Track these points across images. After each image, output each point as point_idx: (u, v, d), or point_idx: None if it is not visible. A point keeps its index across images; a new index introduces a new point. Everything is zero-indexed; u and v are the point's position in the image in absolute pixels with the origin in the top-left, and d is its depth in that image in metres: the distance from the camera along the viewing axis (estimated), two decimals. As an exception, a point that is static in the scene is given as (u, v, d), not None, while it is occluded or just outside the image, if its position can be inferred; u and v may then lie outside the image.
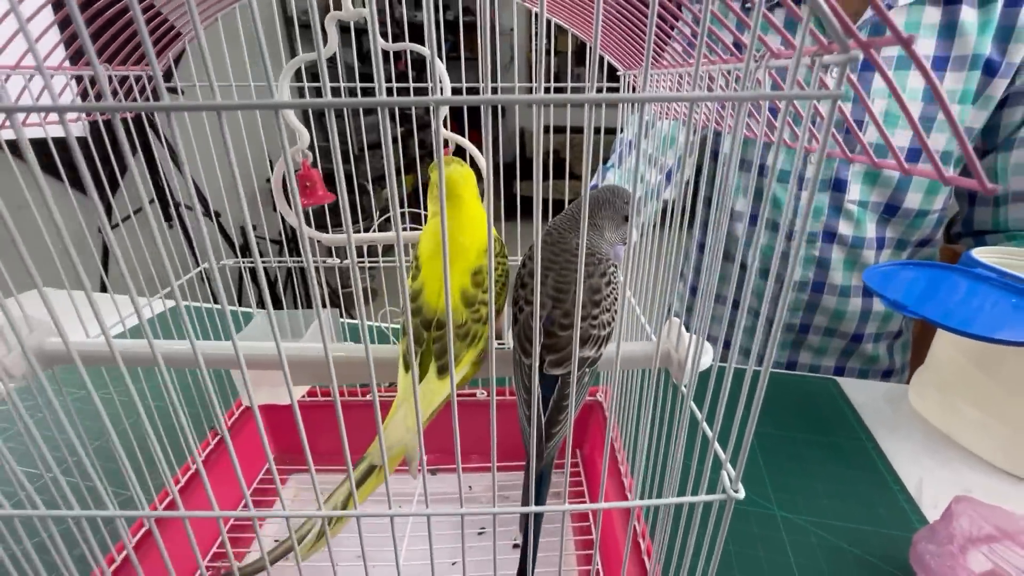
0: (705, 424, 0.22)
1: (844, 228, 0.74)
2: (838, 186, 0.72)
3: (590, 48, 0.19)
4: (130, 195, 0.48)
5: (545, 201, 0.49)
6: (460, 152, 0.40)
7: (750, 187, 0.78)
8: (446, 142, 0.39)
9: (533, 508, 0.22)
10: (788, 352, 0.84)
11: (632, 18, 0.30)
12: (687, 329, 0.27)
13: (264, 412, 0.52)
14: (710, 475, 0.22)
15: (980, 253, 0.58)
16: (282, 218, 0.42)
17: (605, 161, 0.85)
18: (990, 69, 0.64)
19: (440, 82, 0.35)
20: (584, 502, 0.49)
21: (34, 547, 0.23)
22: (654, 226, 0.35)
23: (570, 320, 0.26)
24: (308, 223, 0.47)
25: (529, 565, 0.26)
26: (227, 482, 0.48)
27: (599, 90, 0.40)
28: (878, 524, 0.48)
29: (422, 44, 0.40)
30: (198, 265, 0.49)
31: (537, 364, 0.21)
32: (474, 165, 0.37)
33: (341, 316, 0.51)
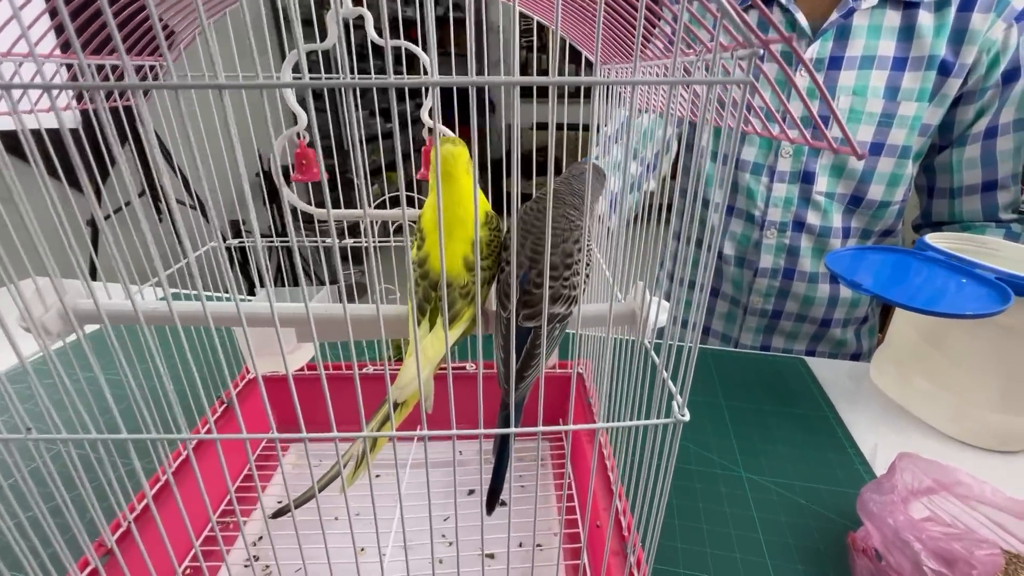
0: (658, 360, 0.26)
1: (812, 218, 0.78)
2: (807, 178, 0.76)
3: (554, 33, 0.22)
4: (121, 187, 0.51)
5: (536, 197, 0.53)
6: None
7: (725, 179, 0.83)
8: (431, 129, 0.43)
9: (513, 429, 0.26)
10: (762, 336, 0.88)
11: (607, 13, 0.34)
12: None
13: (268, 383, 0.55)
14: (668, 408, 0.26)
15: (933, 238, 0.63)
16: (291, 209, 0.45)
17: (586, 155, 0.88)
18: (944, 69, 0.68)
19: (429, 71, 0.39)
20: (562, 480, 0.53)
21: (86, 468, 0.27)
22: (636, 216, 0.39)
23: (542, 279, 0.30)
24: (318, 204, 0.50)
25: (501, 482, 0.31)
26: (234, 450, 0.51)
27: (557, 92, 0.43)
28: (833, 483, 0.53)
29: (410, 39, 0.44)
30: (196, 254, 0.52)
31: (514, 318, 0.25)
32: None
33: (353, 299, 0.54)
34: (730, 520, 0.49)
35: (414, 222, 0.36)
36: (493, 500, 0.32)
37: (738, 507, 0.50)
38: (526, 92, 0.63)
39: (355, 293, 0.65)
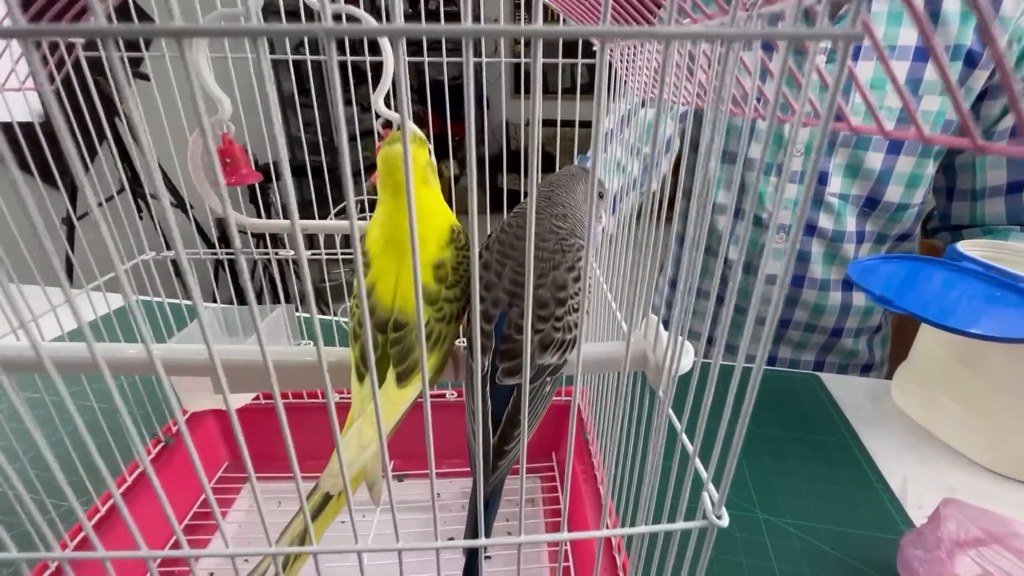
0: (685, 436, 0.19)
1: (824, 221, 0.72)
2: (819, 178, 0.71)
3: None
4: (100, 184, 0.44)
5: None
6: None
7: (733, 180, 0.77)
8: (388, 122, 0.36)
9: (483, 541, 0.19)
10: (769, 347, 0.83)
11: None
12: (666, 327, 0.24)
13: (216, 416, 0.48)
14: (692, 495, 0.19)
15: (965, 247, 0.57)
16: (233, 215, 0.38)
17: (585, 151, 0.82)
18: (971, 60, 0.63)
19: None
20: (558, 519, 0.47)
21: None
22: (638, 217, 0.32)
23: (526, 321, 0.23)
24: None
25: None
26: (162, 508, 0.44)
27: (551, 91, 0.37)
28: (862, 526, 0.47)
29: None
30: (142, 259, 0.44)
31: (485, 372, 0.18)
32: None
33: (298, 311, 0.47)
34: (747, 574, 0.42)
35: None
36: None
37: (756, 557, 0.44)
38: (520, 87, 0.56)
39: (343, 295, 0.57)
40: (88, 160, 0.41)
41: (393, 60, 0.30)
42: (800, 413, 0.62)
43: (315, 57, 0.45)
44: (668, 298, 0.90)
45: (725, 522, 0.17)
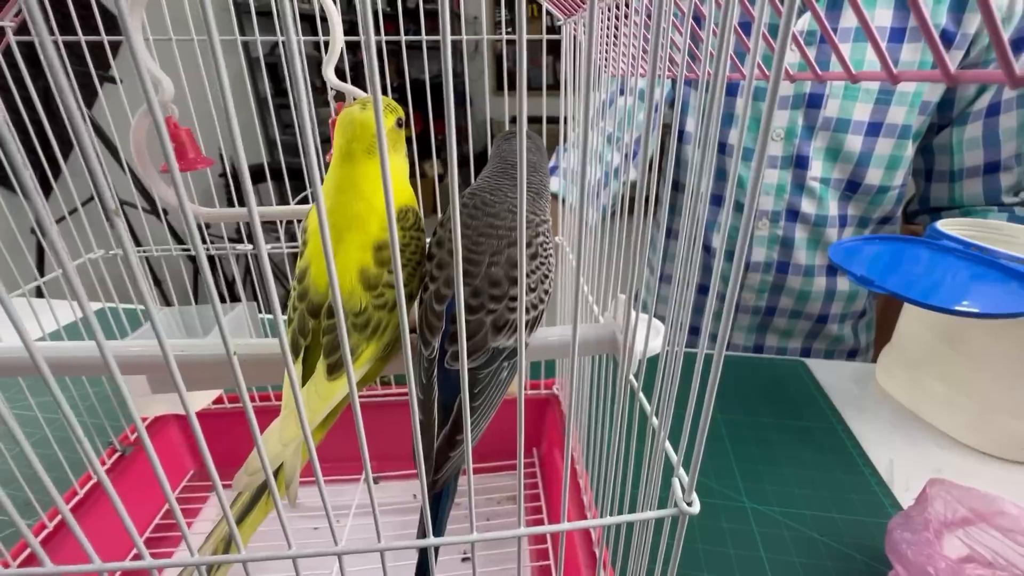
0: (654, 418, 0.18)
1: (807, 207, 0.72)
2: (800, 163, 0.70)
3: None
4: (65, 193, 0.42)
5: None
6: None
7: (713, 166, 0.76)
8: (341, 95, 0.34)
9: (432, 540, 0.18)
10: (755, 335, 0.82)
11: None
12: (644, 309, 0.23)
13: (179, 424, 0.45)
14: (666, 484, 0.18)
15: (945, 225, 0.56)
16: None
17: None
18: (946, 40, 0.63)
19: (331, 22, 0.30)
20: (540, 508, 0.45)
21: None
22: (618, 207, 0.31)
23: (479, 301, 0.21)
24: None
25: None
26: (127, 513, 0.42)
27: (539, 40, 0.35)
28: (850, 511, 0.46)
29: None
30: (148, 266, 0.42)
31: (433, 356, 0.16)
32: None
33: (261, 312, 0.45)
34: (736, 565, 0.41)
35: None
36: None
37: (744, 547, 0.43)
38: (502, 85, 0.55)
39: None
40: (63, 160, 0.40)
41: (340, 25, 0.28)
42: (786, 399, 0.61)
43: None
44: (648, 283, 0.89)
45: (696, 509, 0.15)
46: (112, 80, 0.58)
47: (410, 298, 0.23)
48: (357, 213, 0.22)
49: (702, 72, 0.16)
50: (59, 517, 0.35)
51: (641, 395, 0.21)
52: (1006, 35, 0.62)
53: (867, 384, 0.64)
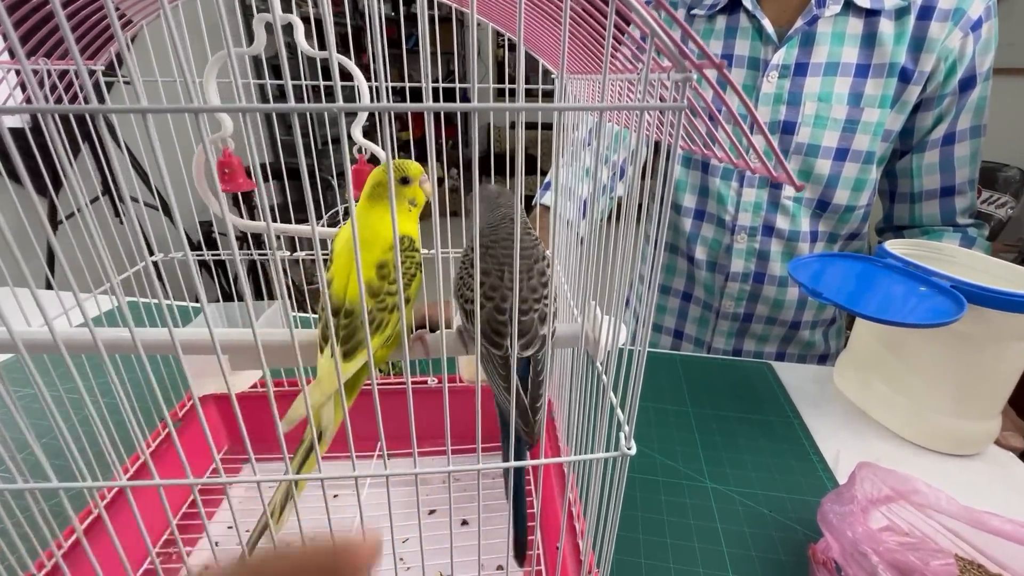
0: (612, 393, 0.25)
1: (781, 222, 0.79)
2: (775, 183, 0.77)
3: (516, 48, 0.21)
4: (74, 190, 0.48)
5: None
6: (375, 160, 0.43)
7: (696, 184, 0.83)
8: (362, 149, 0.42)
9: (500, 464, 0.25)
10: (734, 340, 0.89)
11: (572, 19, 0.33)
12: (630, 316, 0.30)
13: (216, 403, 0.52)
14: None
15: (892, 245, 0.64)
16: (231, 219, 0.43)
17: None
18: (905, 76, 0.69)
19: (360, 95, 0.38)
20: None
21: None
22: (607, 221, 0.38)
23: (527, 305, 0.31)
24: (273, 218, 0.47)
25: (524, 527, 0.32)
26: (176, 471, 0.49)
27: (532, 92, 0.42)
28: (797, 492, 0.53)
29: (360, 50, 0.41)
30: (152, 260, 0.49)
31: (506, 352, 0.25)
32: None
33: (294, 309, 0.52)
34: (695, 533, 0.48)
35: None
36: (521, 550, 0.33)
37: (703, 519, 0.50)
38: (503, 91, 0.61)
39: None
40: (72, 160, 0.45)
41: (365, 85, 0.36)
42: (752, 397, 0.68)
43: (296, 82, 0.50)
44: (642, 297, 0.96)
45: (633, 451, 0.22)
46: (126, 82, 0.64)
47: (406, 302, 0.32)
48: (365, 241, 0.32)
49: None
50: (139, 461, 0.42)
51: (604, 375, 0.28)
52: (958, 74, 0.69)
53: (825, 385, 0.71)
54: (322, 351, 0.31)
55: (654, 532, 0.48)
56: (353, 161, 0.45)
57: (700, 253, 0.85)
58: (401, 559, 0.45)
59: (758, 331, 0.88)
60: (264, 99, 0.51)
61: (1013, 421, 0.63)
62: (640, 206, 0.25)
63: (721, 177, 0.80)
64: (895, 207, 0.82)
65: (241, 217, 0.47)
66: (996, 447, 0.59)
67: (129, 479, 0.42)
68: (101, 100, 0.43)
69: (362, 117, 0.39)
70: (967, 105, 0.70)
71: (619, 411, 0.24)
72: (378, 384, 0.57)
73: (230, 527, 0.47)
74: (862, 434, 0.61)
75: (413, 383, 0.57)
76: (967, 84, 0.70)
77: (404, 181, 0.34)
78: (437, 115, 0.40)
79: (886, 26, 0.69)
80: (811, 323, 0.87)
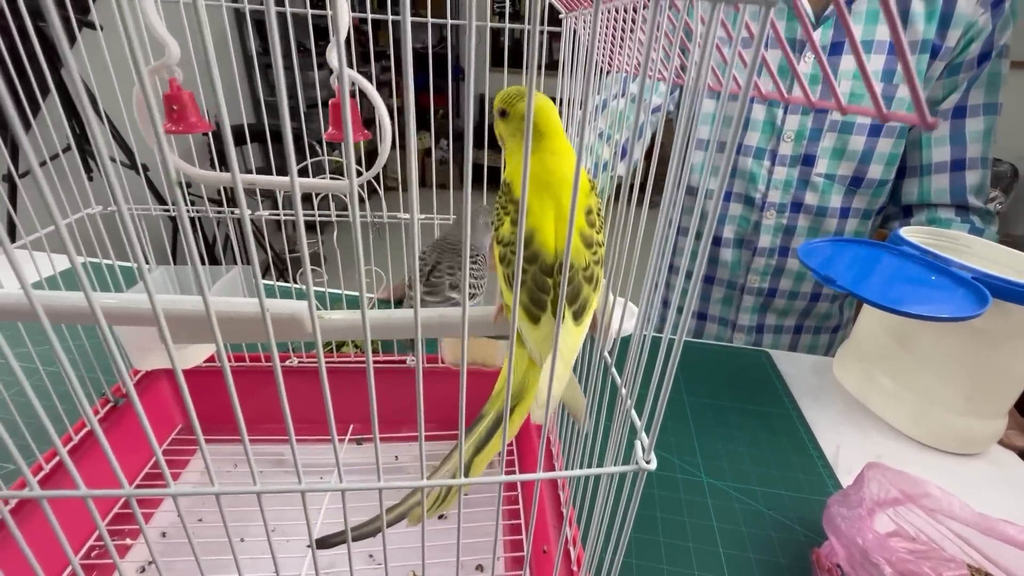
0: (624, 390, 0.21)
1: (810, 199, 0.78)
2: (807, 161, 0.76)
3: None
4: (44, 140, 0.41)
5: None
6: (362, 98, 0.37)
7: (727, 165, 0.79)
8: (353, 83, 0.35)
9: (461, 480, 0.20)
10: (758, 315, 0.87)
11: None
12: (665, 305, 0.25)
13: (169, 378, 0.47)
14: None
15: (907, 232, 0.60)
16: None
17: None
18: (934, 52, 0.68)
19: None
20: (512, 471, 0.48)
21: None
22: (608, 199, 0.33)
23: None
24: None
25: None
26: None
27: (541, 32, 0.37)
28: (796, 489, 0.50)
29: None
30: (88, 213, 0.43)
31: None
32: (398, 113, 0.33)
33: (272, 278, 0.46)
34: (689, 532, 0.45)
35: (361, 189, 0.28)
36: None
37: (698, 516, 0.47)
38: (497, 61, 0.55)
39: (320, 263, 0.56)
40: (31, 116, 0.39)
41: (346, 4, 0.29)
42: (749, 387, 0.65)
43: (279, 8, 0.43)
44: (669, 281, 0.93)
45: (653, 466, 0.18)
46: (92, 26, 0.56)
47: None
48: (550, 184, 0.26)
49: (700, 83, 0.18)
50: (55, 459, 0.36)
51: (613, 370, 0.23)
52: (974, 47, 0.66)
53: (824, 376, 0.68)
54: (535, 320, 0.25)
55: (646, 531, 0.45)
56: (332, 95, 0.39)
57: (728, 232, 0.84)
58: (371, 556, 0.41)
59: (780, 305, 0.86)
60: (244, 47, 0.44)
61: (1017, 420, 0.61)
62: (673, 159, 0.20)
63: (754, 156, 0.78)
64: (904, 182, 0.80)
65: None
66: (998, 446, 0.57)
67: (46, 481, 0.36)
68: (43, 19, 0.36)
69: (338, 42, 0.32)
70: (979, 80, 0.69)
71: (634, 415, 0.20)
72: (349, 362, 0.52)
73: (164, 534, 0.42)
74: (863, 428, 0.59)
75: (391, 362, 0.52)
76: (982, 58, 0.69)
77: (503, 114, 0.29)
78: (427, 84, 0.34)
79: (917, 5, 0.68)
80: (831, 296, 0.85)
